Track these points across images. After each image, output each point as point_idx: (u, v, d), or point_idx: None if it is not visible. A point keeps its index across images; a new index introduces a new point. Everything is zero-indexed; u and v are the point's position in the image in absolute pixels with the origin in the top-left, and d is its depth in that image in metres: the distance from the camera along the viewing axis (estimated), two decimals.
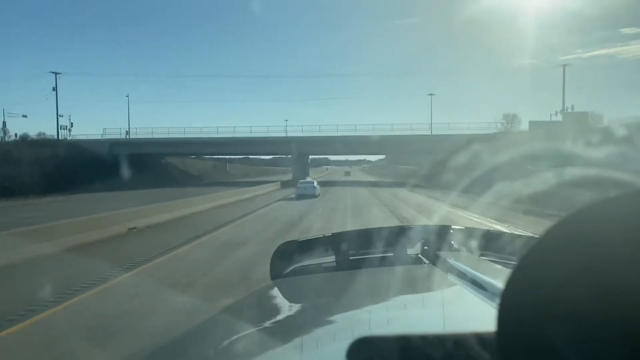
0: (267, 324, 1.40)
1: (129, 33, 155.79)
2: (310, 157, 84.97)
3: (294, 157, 60.68)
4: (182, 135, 62.20)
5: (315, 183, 34.92)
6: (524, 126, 53.43)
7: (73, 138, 62.05)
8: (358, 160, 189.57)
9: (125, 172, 49.55)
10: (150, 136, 63.34)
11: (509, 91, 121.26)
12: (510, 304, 0.60)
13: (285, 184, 47.74)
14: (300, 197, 30.70)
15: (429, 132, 57.43)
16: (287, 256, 2.09)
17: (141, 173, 50.36)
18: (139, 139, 62.68)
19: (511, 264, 1.35)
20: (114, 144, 60.65)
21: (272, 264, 2.07)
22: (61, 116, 64.24)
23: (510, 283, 0.60)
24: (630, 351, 0.53)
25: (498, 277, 1.26)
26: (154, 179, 47.31)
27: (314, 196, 31.21)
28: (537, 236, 0.61)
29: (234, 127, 74.20)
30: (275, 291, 1.88)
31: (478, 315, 1.13)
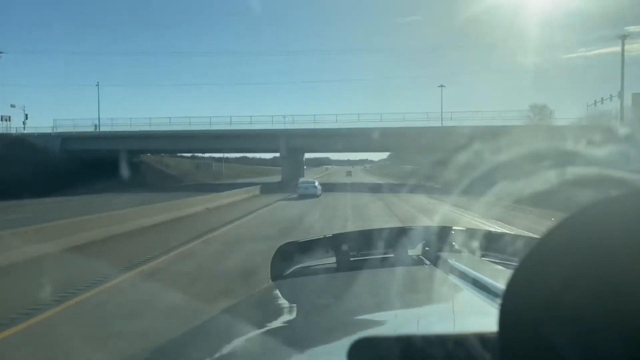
0: (268, 324, 1.39)
1: (84, 4, 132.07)
2: (308, 155, 75.35)
3: (283, 153, 49.97)
4: (147, 128, 51.23)
5: (317, 183, 34.90)
6: (557, 119, 44.75)
7: (18, 131, 51.92)
8: (360, 160, 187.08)
9: (81, 173, 40.35)
10: (109, 129, 52.71)
11: (512, 90, 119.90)
12: (511, 305, 0.59)
13: (267, 188, 37.53)
14: (301, 196, 30.69)
15: (448, 124, 47.09)
16: (288, 257, 2.08)
17: (103, 174, 41.02)
18: (97, 132, 52.29)
19: (512, 264, 1.32)
20: (67, 138, 50.45)
21: (273, 265, 2.05)
22: (13, 106, 54.60)
23: (512, 284, 0.60)
24: (632, 353, 0.52)
25: (499, 277, 1.26)
26: (118, 182, 39.00)
27: (315, 196, 31.37)
28: (539, 237, 0.60)
29: (210, 117, 64.12)
30: (276, 292, 1.88)
31: (479, 316, 1.14)
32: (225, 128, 50.09)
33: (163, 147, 54.95)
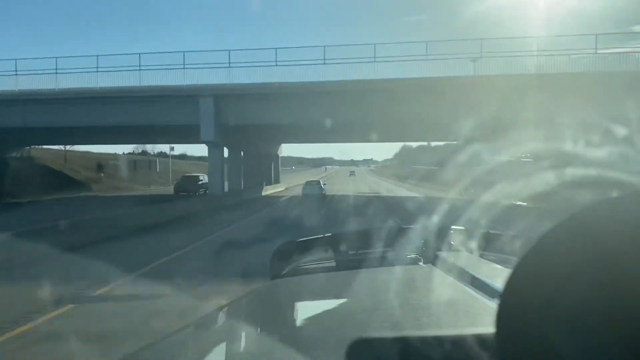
0: (265, 323, 1.39)
1: None
2: (303, 153, 51.26)
3: (210, 136, 24.08)
4: None
5: (322, 183, 34.55)
6: None
7: None
8: (364, 159, 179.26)
9: None
10: None
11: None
12: (509, 305, 0.59)
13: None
14: (306, 197, 29.70)
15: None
16: (286, 256, 2.10)
17: None
18: None
19: (511, 264, 1.24)
20: None
21: (272, 264, 2.06)
22: None
23: (510, 283, 0.60)
24: (630, 353, 0.52)
25: (498, 277, 1.25)
26: None
27: (320, 195, 30.34)
28: (537, 236, 0.60)
29: (56, 58, 26.60)
30: (274, 291, 1.88)
31: (477, 316, 1.14)
32: (82, 86, 22.94)
33: None
